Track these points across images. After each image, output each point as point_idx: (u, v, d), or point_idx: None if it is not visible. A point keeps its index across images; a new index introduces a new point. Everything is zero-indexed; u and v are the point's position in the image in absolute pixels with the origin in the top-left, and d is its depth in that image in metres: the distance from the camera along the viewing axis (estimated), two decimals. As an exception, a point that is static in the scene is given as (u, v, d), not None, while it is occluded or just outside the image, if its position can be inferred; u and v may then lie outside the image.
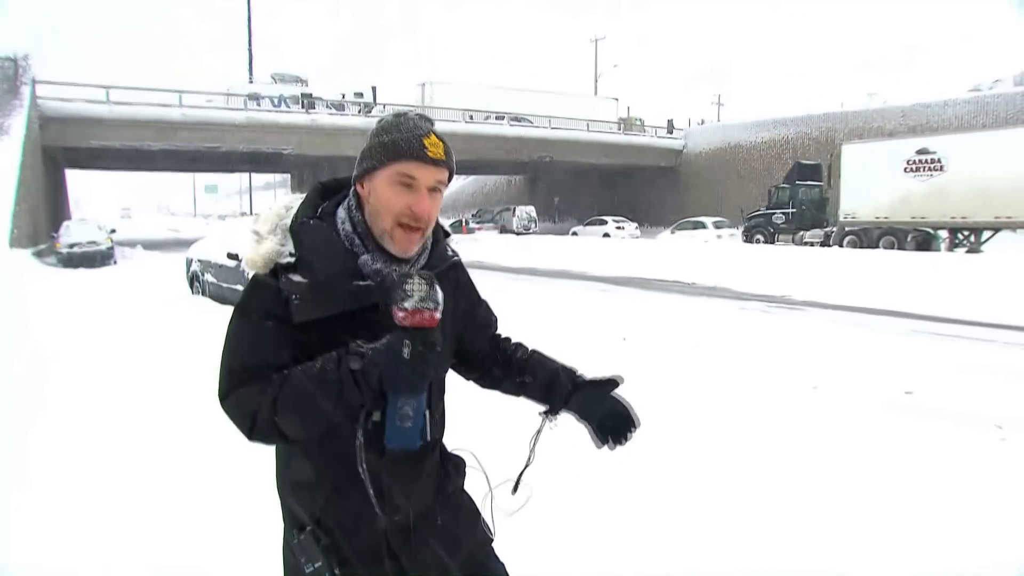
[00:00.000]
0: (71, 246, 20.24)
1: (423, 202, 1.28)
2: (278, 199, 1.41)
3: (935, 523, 3.14)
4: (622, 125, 43.42)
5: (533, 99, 42.01)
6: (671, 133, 43.89)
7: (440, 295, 1.19)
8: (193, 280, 11.30)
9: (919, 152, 22.25)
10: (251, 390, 1.23)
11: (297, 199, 1.38)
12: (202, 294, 10.79)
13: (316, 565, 1.27)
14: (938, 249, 21.87)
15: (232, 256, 9.41)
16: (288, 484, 1.37)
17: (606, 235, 32.13)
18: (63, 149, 28.99)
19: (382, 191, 1.28)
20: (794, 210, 27.16)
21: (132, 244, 25.73)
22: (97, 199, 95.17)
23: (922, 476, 3.69)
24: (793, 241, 26.18)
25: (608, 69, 55.66)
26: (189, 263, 11.56)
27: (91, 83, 29.17)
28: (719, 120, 49.01)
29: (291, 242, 1.28)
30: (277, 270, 1.27)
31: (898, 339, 7.91)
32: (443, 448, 1.50)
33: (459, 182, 63.27)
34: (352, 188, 1.35)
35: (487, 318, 1.61)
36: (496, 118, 39.24)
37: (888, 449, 4.13)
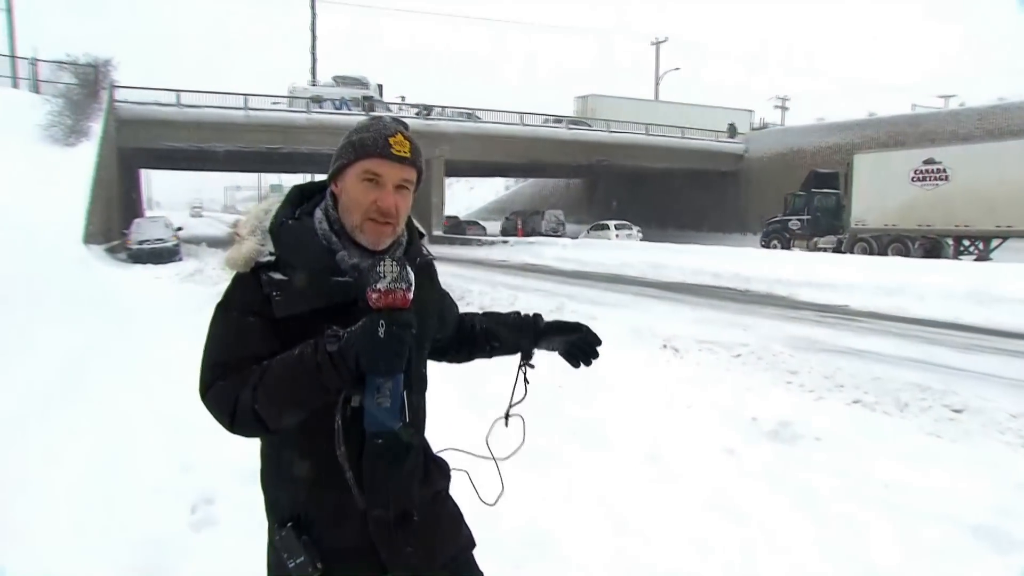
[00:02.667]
0: (140, 243, 21.16)
1: (388, 198, 1.34)
2: (260, 203, 1.48)
3: None
4: (728, 130, 43.06)
5: (671, 111, 43.38)
6: (732, 137, 43.13)
7: (412, 276, 1.25)
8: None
9: (926, 162, 23.38)
10: (232, 382, 1.27)
11: (277, 202, 1.44)
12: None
13: (298, 560, 1.32)
14: (946, 256, 22.30)
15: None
16: (271, 479, 1.42)
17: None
18: (137, 150, 30.29)
19: (351, 187, 1.36)
20: (809, 217, 28.35)
21: (197, 242, 26.69)
22: (169, 198, 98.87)
23: None
24: (807, 247, 26.59)
25: (669, 72, 54.93)
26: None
27: (163, 87, 30.46)
28: (783, 123, 47.92)
29: (271, 242, 1.35)
30: (258, 269, 1.33)
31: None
32: (427, 448, 1.53)
33: (517, 185, 63.53)
34: (328, 188, 1.42)
35: (452, 309, 1.70)
36: (554, 121, 39.28)
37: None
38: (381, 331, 1.19)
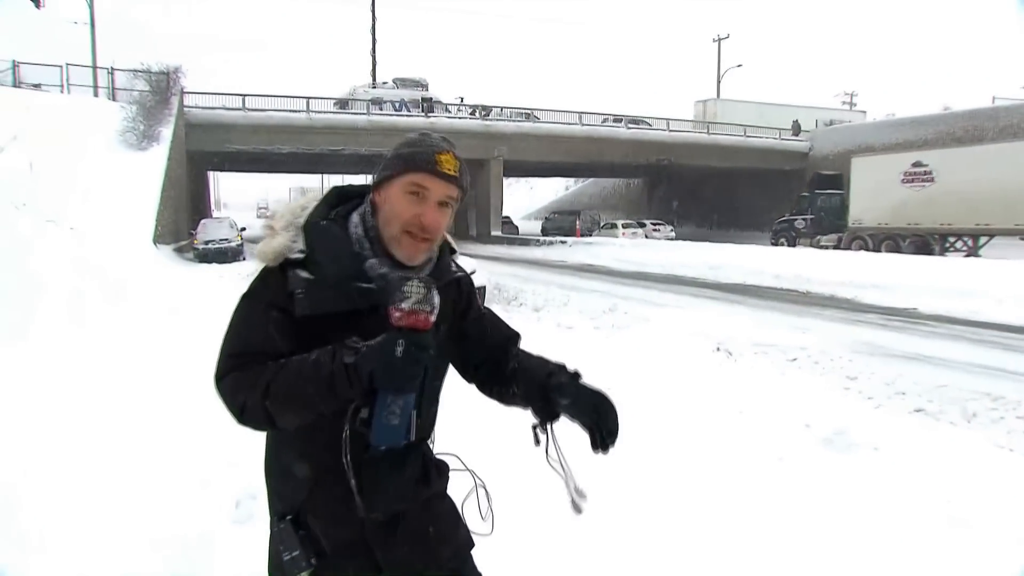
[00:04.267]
0: (206, 243, 21.86)
1: (431, 213, 1.37)
2: (296, 199, 1.50)
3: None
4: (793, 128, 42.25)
5: (800, 113, 43.34)
6: (797, 135, 41.97)
7: (437, 300, 1.25)
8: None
9: (914, 165, 25.32)
10: (246, 374, 1.29)
11: (313, 200, 1.46)
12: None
13: (293, 554, 1.35)
14: (933, 253, 23.61)
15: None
16: (274, 472, 1.45)
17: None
18: (205, 153, 31.32)
19: (395, 199, 1.37)
20: (813, 216, 30.44)
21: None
22: (238, 199, 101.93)
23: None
24: (811, 244, 28.02)
25: (732, 69, 53.77)
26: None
27: (229, 92, 31.40)
28: (850, 120, 46.37)
29: (302, 239, 1.36)
30: (285, 264, 1.35)
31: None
32: (428, 451, 1.53)
33: (577, 185, 63.28)
34: (370, 195, 1.44)
35: (487, 330, 1.61)
36: (613, 120, 38.96)
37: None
38: (399, 350, 1.21)
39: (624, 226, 35.31)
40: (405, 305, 1.23)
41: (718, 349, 7.30)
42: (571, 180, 64.23)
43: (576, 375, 1.47)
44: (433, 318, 1.25)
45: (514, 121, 36.41)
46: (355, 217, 1.41)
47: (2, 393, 4.81)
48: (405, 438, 1.30)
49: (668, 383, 5.37)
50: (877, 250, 24.28)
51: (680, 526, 3.24)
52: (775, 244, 29.42)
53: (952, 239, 24.51)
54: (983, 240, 23.82)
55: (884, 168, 26.36)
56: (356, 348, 1.24)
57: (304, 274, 1.33)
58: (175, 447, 4.09)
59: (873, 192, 26.31)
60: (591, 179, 58.39)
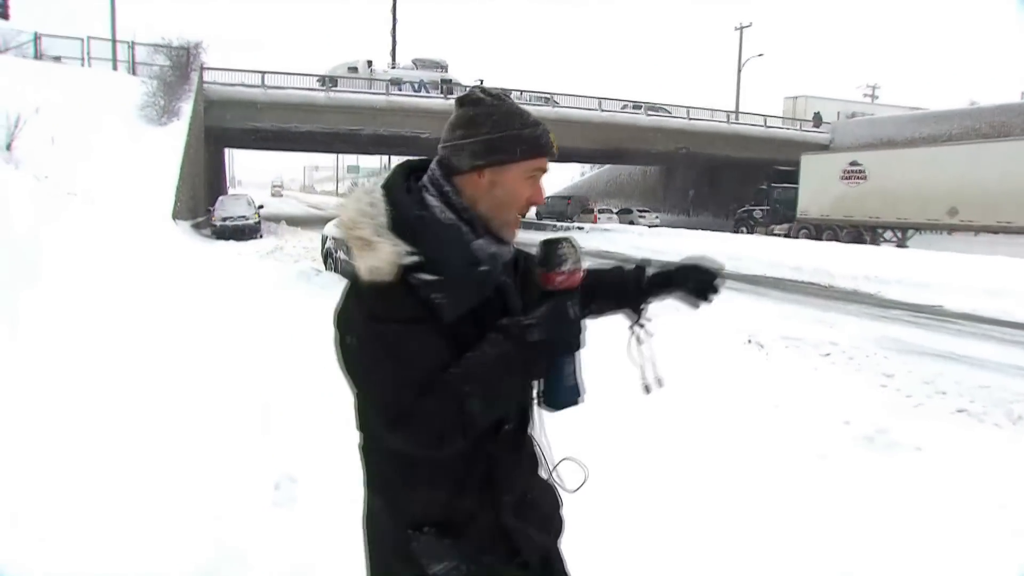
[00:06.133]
0: (224, 219, 21.87)
1: (543, 194, 1.36)
2: (346, 198, 1.32)
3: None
4: (814, 120, 41.99)
5: (882, 111, 43.73)
6: (818, 126, 41.46)
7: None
8: (327, 257, 11.88)
9: (851, 164, 28.52)
10: (430, 400, 1.18)
11: (377, 194, 1.28)
12: (335, 271, 11.32)
13: (443, 564, 1.28)
14: (865, 243, 26.04)
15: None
16: (400, 485, 1.33)
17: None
18: (223, 130, 31.21)
19: (515, 182, 1.31)
20: (769, 207, 34.16)
21: (277, 220, 27.43)
22: (251, 176, 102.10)
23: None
24: (765, 232, 30.97)
25: (753, 58, 53.06)
26: (324, 240, 12.16)
27: (249, 68, 31.28)
28: (872, 113, 45.80)
29: (401, 241, 1.22)
30: (403, 272, 1.22)
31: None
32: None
33: (593, 171, 62.88)
34: (442, 173, 1.32)
35: None
36: (633, 107, 38.60)
37: None
38: (571, 311, 1.26)
39: (600, 211, 37.96)
40: (565, 267, 1.28)
41: (749, 342, 7.20)
42: (587, 166, 63.81)
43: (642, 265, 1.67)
44: (581, 275, 1.30)
45: (533, 104, 35.99)
46: (434, 200, 1.30)
47: (20, 369, 4.79)
48: (581, 395, 1.34)
49: (703, 375, 5.29)
50: (819, 238, 27.47)
51: (724, 524, 3.17)
52: (736, 232, 31.93)
53: (880, 231, 27.71)
54: (910, 233, 27.03)
55: (827, 166, 29.62)
56: (531, 324, 1.23)
57: (428, 276, 1.21)
58: (206, 430, 4.05)
59: (818, 187, 29.48)
60: (607, 166, 57.99)
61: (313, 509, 3.23)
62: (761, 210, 34.71)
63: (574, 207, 41.44)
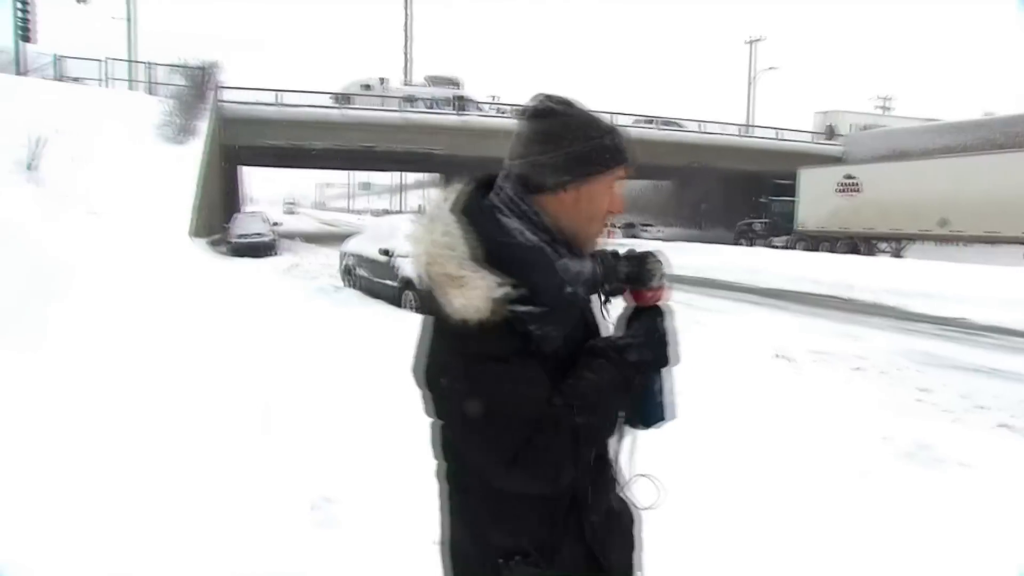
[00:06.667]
0: (240, 237, 21.99)
1: (622, 202, 1.31)
2: (415, 228, 1.22)
3: None
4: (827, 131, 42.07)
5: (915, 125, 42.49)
6: (831, 139, 41.35)
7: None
8: (346, 273, 11.89)
9: (846, 177, 29.36)
10: (546, 436, 1.12)
11: (440, 219, 1.19)
12: (354, 287, 11.32)
13: None
14: (862, 254, 26.38)
15: (384, 252, 9.78)
16: (490, 518, 1.26)
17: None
18: (238, 147, 31.52)
19: (601, 195, 1.26)
20: (768, 220, 35.04)
21: (292, 237, 27.56)
22: (263, 193, 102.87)
23: None
24: (765, 244, 31.57)
25: (764, 72, 53.08)
26: (343, 257, 12.18)
27: (264, 87, 31.63)
28: (884, 125, 45.59)
29: (488, 271, 1.13)
30: (494, 307, 1.14)
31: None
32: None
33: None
34: (517, 191, 1.24)
35: None
36: (645, 121, 38.66)
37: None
38: (664, 327, 1.26)
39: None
40: (655, 282, 1.29)
41: (777, 356, 7.11)
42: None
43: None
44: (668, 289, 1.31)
45: (545, 120, 36.21)
46: (513, 223, 1.21)
47: (43, 378, 4.78)
48: (672, 411, 1.33)
49: (734, 389, 5.22)
50: (816, 250, 27.86)
51: (771, 543, 3.09)
52: (736, 244, 32.64)
53: (875, 242, 28.40)
54: (904, 243, 27.71)
55: (823, 179, 30.36)
56: (629, 344, 1.23)
57: (524, 308, 1.13)
58: (232, 447, 4.00)
59: (815, 200, 30.28)
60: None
61: (349, 531, 3.18)
62: (761, 223, 35.70)
63: None
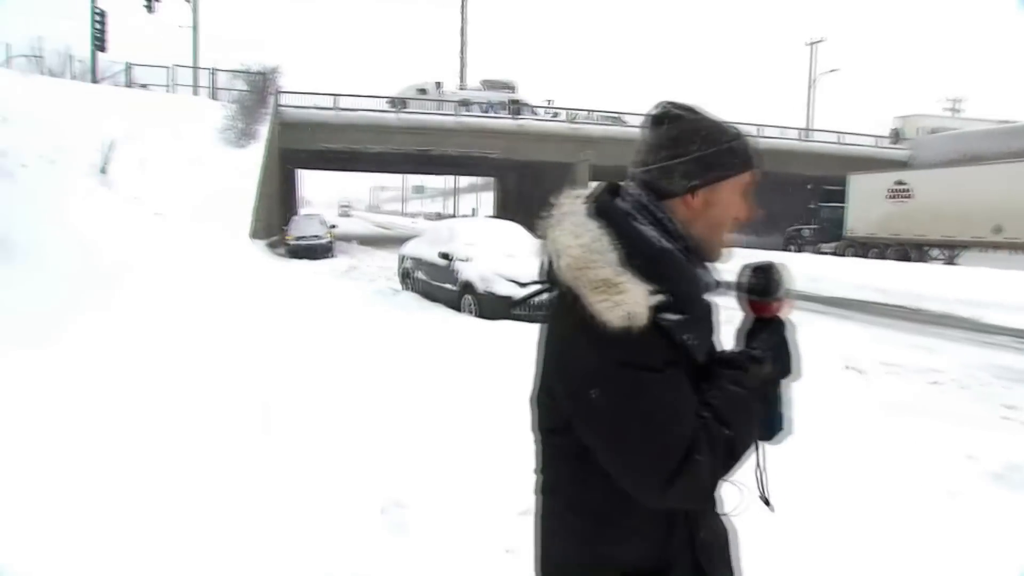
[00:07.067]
0: (298, 239, 22.43)
1: (753, 209, 1.28)
2: (553, 232, 1.19)
3: None
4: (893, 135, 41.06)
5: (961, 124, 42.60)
6: (896, 143, 40.10)
7: None
8: (405, 276, 11.98)
9: (897, 183, 28.97)
10: (706, 453, 1.10)
11: (583, 224, 1.17)
12: (413, 290, 11.40)
13: None
14: (912, 260, 25.92)
15: (444, 256, 9.82)
16: (610, 537, 1.23)
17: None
18: (296, 151, 32.19)
19: (731, 201, 1.25)
20: (817, 226, 34.58)
21: (348, 239, 27.98)
22: (318, 196, 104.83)
23: None
24: (813, 251, 31.32)
25: (825, 74, 51.73)
26: (402, 260, 12.28)
27: (322, 91, 32.25)
28: (956, 128, 43.98)
29: (641, 277, 1.11)
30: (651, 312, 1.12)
31: None
32: None
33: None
34: (650, 198, 1.22)
35: None
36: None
37: None
38: (790, 338, 1.26)
39: None
40: (781, 293, 1.27)
41: (847, 367, 6.88)
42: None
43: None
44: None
45: (601, 124, 36.06)
46: (649, 231, 1.19)
47: (110, 375, 4.91)
48: (790, 423, 1.31)
49: (806, 403, 5.02)
50: (865, 256, 28.07)
51: (861, 566, 2.96)
52: (785, 250, 32.36)
53: (927, 248, 27.89)
54: (959, 251, 27.01)
55: (873, 185, 30.08)
56: (763, 357, 1.22)
57: (677, 316, 1.11)
58: (315, 452, 4.04)
59: (864, 205, 30.04)
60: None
61: (420, 535, 3.17)
62: (810, 228, 35.38)
63: None
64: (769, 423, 1.28)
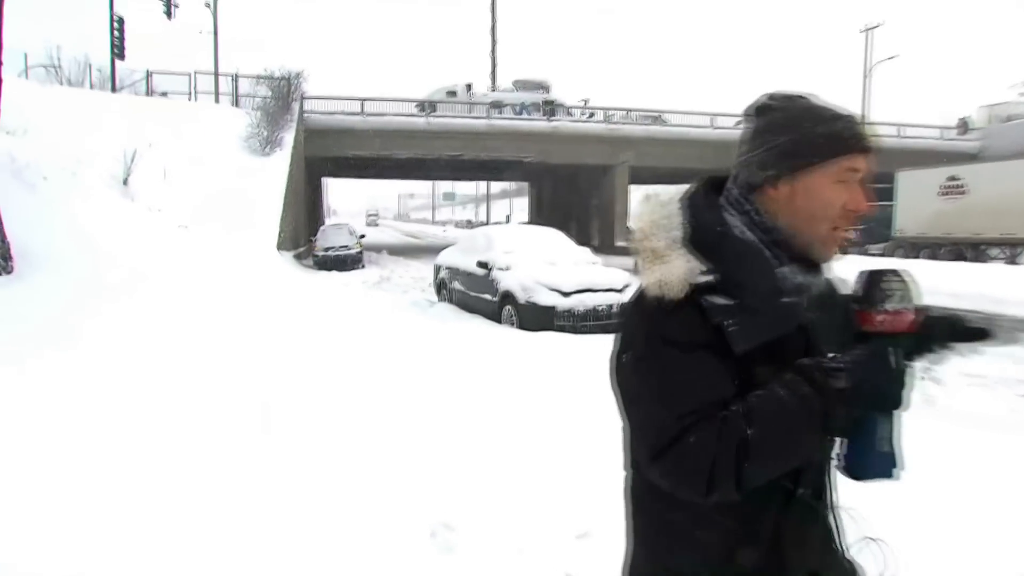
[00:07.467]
0: (326, 249, 22.68)
1: (862, 198, 1.23)
2: (639, 207, 1.30)
3: None
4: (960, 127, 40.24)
5: None
6: (964, 134, 39.25)
7: (916, 295, 1.18)
8: (440, 287, 12.03)
9: (949, 179, 28.10)
10: (702, 436, 1.11)
11: (666, 205, 1.26)
12: (449, 301, 11.43)
13: None
14: (968, 260, 25.39)
15: (482, 264, 9.84)
16: (666, 535, 1.27)
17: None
18: (322, 159, 32.65)
19: (822, 191, 1.21)
20: (864, 227, 33.65)
21: (378, 249, 28.24)
22: (345, 205, 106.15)
23: None
24: (859, 252, 29.72)
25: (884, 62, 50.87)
26: (437, 270, 12.34)
27: (348, 96, 32.61)
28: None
29: (696, 257, 1.18)
30: (693, 292, 1.17)
31: None
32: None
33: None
34: (740, 190, 1.27)
35: None
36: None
37: None
38: (893, 360, 1.12)
39: None
40: (890, 305, 1.15)
41: (922, 377, 6.69)
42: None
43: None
44: (917, 317, 1.16)
45: (641, 124, 35.95)
46: (735, 219, 1.24)
47: (133, 387, 5.00)
48: (897, 467, 1.18)
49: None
50: (916, 257, 27.27)
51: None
52: None
53: (984, 247, 27.11)
54: (1020, 249, 26.10)
55: (924, 182, 29.53)
56: (837, 369, 1.12)
57: (722, 300, 1.15)
58: (362, 473, 4.05)
59: (914, 204, 29.58)
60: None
61: (471, 560, 3.14)
62: (856, 229, 35.34)
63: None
64: (858, 459, 1.19)
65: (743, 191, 1.26)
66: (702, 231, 1.21)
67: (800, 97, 1.26)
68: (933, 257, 26.78)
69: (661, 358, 1.15)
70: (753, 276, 1.18)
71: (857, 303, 1.18)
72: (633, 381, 1.20)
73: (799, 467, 1.18)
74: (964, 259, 25.98)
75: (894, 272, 1.18)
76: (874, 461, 1.18)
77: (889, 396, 1.13)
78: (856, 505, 1.37)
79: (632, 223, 1.28)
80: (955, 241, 27.57)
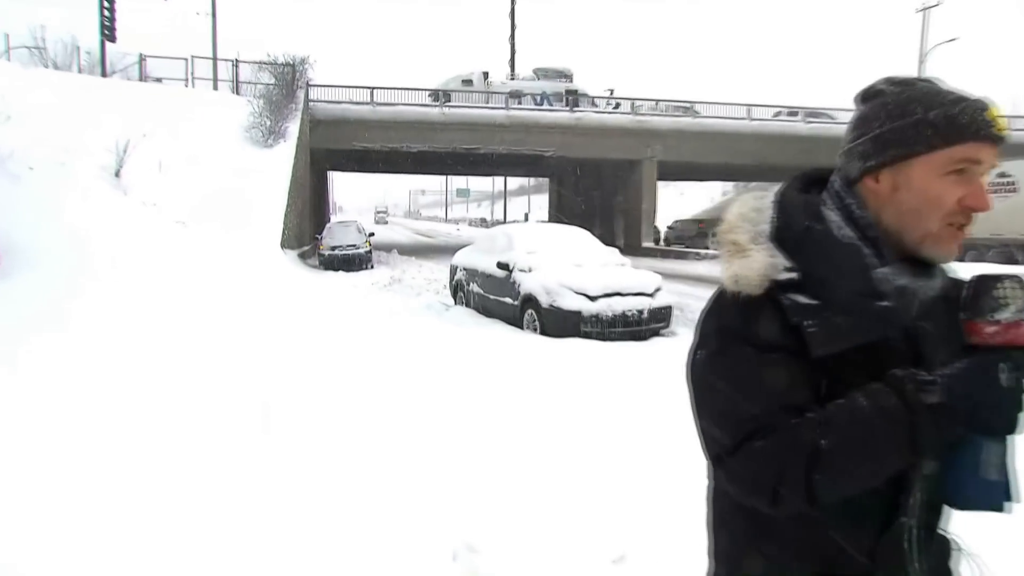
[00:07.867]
0: (333, 248, 22.70)
1: (983, 193, 1.16)
2: (740, 200, 1.29)
3: None
4: None
5: None
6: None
7: None
8: (457, 289, 11.97)
9: (999, 175, 27.03)
10: (772, 442, 1.09)
11: (760, 198, 1.27)
12: (466, 305, 11.37)
13: None
14: (1019, 263, 25.41)
15: (503, 266, 9.77)
16: (739, 549, 1.28)
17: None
18: (328, 151, 32.69)
19: (929, 183, 1.15)
20: None
21: (388, 248, 28.26)
22: (352, 201, 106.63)
23: None
24: None
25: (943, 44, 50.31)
26: (454, 271, 12.28)
27: (357, 84, 32.68)
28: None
29: (781, 253, 1.17)
30: (773, 289, 1.16)
31: None
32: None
33: (737, 190, 61.57)
34: (841, 183, 1.25)
35: None
36: (788, 113, 37.48)
37: None
38: (1004, 377, 1.04)
39: None
40: (1004, 316, 1.06)
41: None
42: (730, 185, 62.57)
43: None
44: None
45: (670, 116, 35.80)
46: (832, 215, 1.22)
47: (129, 388, 4.97)
48: (1010, 498, 1.10)
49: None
50: (962, 260, 26.56)
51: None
52: None
53: None
54: None
55: None
56: (932, 381, 1.06)
57: (803, 299, 1.14)
58: (382, 490, 4.00)
59: None
60: (755, 183, 56.69)
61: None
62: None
63: (675, 229, 41.09)
64: (958, 485, 1.12)
65: (844, 184, 1.24)
66: (788, 226, 1.20)
67: (923, 81, 1.21)
68: (980, 259, 26.49)
69: (734, 356, 1.16)
70: (840, 275, 1.15)
71: (964, 312, 1.11)
72: (704, 379, 1.20)
73: (899, 491, 1.14)
74: (1015, 262, 25.83)
75: (1010, 278, 1.09)
76: (979, 490, 1.11)
77: (996, 417, 1.07)
78: (979, 548, 1.29)
79: (723, 215, 1.27)
80: (1005, 242, 27.25)
